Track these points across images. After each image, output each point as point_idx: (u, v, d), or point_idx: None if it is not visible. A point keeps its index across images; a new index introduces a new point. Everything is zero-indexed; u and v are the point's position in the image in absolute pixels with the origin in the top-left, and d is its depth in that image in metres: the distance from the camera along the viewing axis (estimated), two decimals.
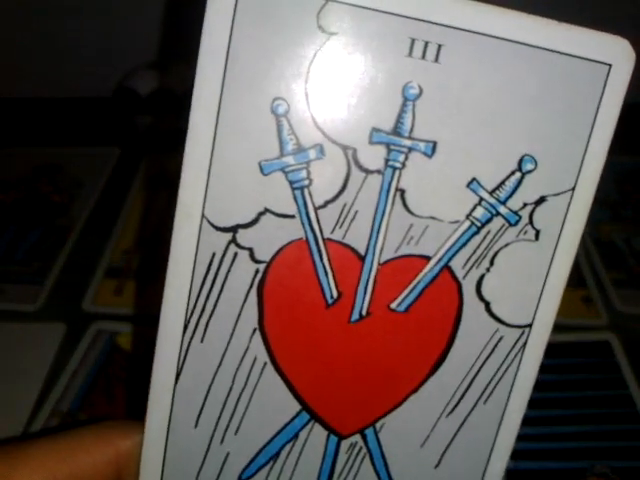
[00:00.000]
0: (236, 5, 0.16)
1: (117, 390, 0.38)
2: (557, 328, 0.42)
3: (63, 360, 0.40)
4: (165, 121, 0.55)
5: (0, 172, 0.56)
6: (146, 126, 0.58)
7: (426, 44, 0.17)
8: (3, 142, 0.59)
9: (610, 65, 0.17)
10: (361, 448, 0.19)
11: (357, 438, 0.19)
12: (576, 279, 0.46)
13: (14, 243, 0.49)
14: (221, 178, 0.17)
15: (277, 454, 0.19)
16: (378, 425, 0.19)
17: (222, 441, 0.19)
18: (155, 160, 0.56)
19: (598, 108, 0.17)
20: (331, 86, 0.17)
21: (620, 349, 0.41)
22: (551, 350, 0.40)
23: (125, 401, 0.37)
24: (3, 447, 0.18)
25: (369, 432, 0.19)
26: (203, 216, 0.17)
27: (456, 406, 0.19)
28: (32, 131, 0.62)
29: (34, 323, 0.43)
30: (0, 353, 0.41)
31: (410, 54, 0.17)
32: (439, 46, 0.17)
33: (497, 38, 0.17)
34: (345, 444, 0.19)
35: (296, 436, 0.19)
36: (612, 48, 0.17)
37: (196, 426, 0.19)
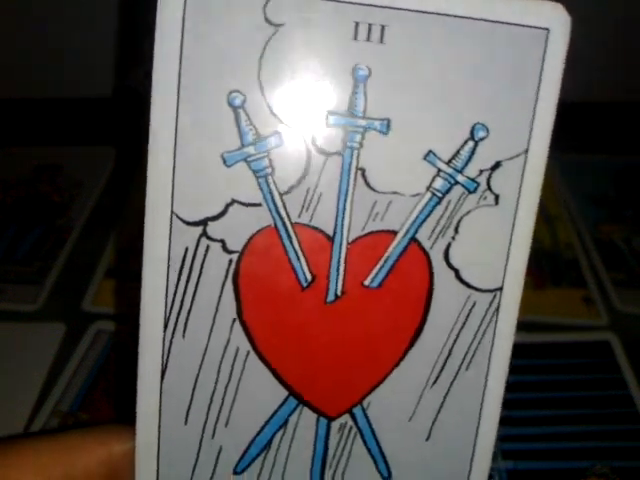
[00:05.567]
0: (185, 6, 0.17)
1: None
2: (557, 328, 0.42)
3: (63, 360, 0.40)
4: None
5: (0, 172, 0.56)
6: (146, 126, 0.58)
7: (370, 26, 0.17)
8: (3, 142, 0.59)
9: (548, 29, 0.17)
10: (351, 428, 0.20)
11: (346, 418, 0.19)
12: (576, 279, 0.47)
13: (14, 243, 0.49)
14: (186, 173, 0.18)
15: (269, 443, 0.19)
16: (365, 403, 0.19)
17: (213, 435, 0.19)
18: None
19: (542, 71, 0.18)
20: (283, 75, 0.17)
21: (620, 349, 0.41)
22: (551, 350, 0.40)
23: (115, 398, 0.37)
24: None
25: (357, 411, 0.19)
26: (172, 212, 0.18)
27: (439, 376, 0.19)
28: (32, 131, 0.62)
29: (34, 323, 0.43)
30: (0, 353, 0.41)
31: (355, 37, 0.17)
32: (382, 27, 0.17)
33: (438, 14, 0.17)
34: (335, 425, 0.19)
35: (286, 423, 0.19)
36: (548, 13, 0.17)
37: (186, 422, 0.19)
